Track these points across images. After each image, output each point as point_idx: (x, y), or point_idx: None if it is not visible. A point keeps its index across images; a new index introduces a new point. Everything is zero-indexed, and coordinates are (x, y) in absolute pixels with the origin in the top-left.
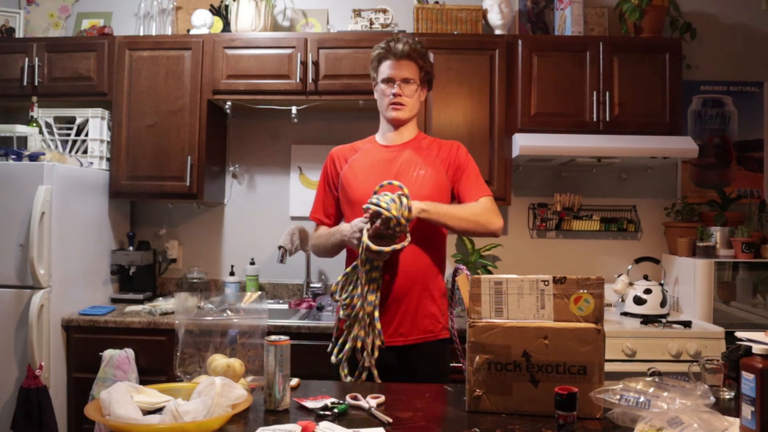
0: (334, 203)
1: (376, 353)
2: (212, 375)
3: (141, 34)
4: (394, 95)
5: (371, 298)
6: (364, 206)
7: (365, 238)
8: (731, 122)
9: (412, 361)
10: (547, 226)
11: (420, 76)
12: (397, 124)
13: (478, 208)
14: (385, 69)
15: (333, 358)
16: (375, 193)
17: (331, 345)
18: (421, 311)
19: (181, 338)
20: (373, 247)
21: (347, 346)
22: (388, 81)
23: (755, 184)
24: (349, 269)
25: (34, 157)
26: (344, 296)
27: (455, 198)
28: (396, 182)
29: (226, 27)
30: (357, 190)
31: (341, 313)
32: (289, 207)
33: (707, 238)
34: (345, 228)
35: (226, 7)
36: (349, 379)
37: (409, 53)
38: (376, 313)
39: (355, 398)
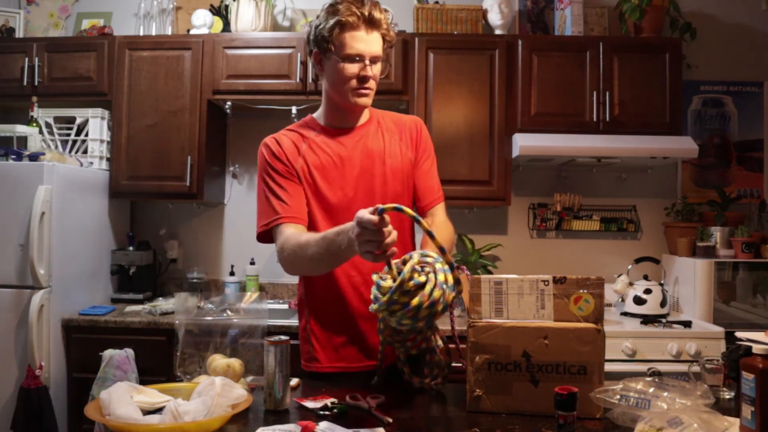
0: (304, 196)
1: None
2: (212, 375)
3: (141, 34)
4: (364, 78)
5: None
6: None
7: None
8: (731, 122)
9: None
10: (547, 226)
11: (385, 50)
12: (359, 111)
13: (449, 229)
14: (353, 42)
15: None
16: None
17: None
18: None
19: (181, 338)
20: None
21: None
22: (356, 58)
23: (755, 184)
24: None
25: (34, 157)
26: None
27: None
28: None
29: (226, 27)
30: (330, 193)
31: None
32: None
33: (707, 238)
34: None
35: (226, 7)
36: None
37: (380, 22)
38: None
39: (355, 398)
